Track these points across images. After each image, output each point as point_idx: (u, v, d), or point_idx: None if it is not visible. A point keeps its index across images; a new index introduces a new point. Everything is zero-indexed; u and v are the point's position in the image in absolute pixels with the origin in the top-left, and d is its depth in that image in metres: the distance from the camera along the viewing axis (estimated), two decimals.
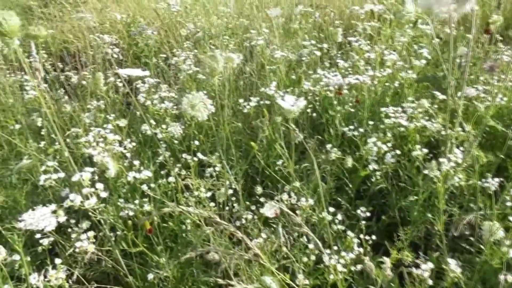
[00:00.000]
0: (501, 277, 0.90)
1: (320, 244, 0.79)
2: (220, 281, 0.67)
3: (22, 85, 2.03)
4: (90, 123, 1.57)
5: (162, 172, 1.26)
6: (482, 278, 1.02)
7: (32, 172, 1.57)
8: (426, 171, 1.06)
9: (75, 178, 0.88)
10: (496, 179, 1.11)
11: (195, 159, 1.22)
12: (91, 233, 0.95)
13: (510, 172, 1.34)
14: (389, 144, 1.27)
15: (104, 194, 0.88)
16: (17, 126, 1.65)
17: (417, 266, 0.89)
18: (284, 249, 0.97)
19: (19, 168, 1.47)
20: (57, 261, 0.91)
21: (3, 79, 2.01)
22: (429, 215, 1.16)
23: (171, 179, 1.16)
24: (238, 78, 1.92)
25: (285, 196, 1.13)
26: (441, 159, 1.06)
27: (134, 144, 1.33)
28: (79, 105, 1.85)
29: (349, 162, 1.21)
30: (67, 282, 0.92)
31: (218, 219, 0.65)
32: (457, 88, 1.38)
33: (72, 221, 1.13)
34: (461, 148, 1.17)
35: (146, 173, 1.02)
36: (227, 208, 1.22)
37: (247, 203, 1.21)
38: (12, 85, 2.02)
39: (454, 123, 1.23)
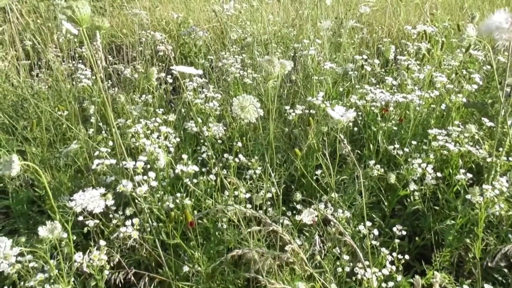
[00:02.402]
0: None
1: (360, 254, 0.80)
2: (260, 277, 0.68)
3: (73, 73, 2.12)
4: (137, 116, 1.63)
5: (203, 170, 1.30)
6: None
7: (78, 157, 1.64)
8: (468, 196, 1.05)
9: (129, 165, 0.92)
10: None
11: (236, 160, 1.25)
12: (136, 220, 0.98)
13: None
14: (431, 166, 1.26)
15: (154, 183, 0.92)
16: (66, 113, 1.73)
17: None
18: (318, 257, 0.98)
19: (68, 152, 1.54)
20: (101, 243, 0.95)
21: (58, 65, 2.11)
22: (467, 240, 1.15)
23: (211, 177, 1.19)
24: (281, 86, 1.95)
25: (321, 206, 1.14)
26: (484, 186, 1.05)
27: (178, 139, 1.37)
28: (126, 98, 1.92)
29: (392, 178, 1.21)
30: (108, 264, 0.96)
31: (268, 220, 0.67)
32: (505, 116, 1.37)
33: (113, 208, 1.18)
34: (505, 177, 1.16)
35: (193, 168, 1.05)
36: (260, 212, 1.24)
37: (283, 208, 1.22)
38: (64, 72, 2.12)
39: (500, 152, 1.22)
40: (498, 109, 1.08)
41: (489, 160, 1.20)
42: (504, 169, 1.22)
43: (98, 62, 1.09)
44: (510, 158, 1.24)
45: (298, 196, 1.18)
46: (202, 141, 1.58)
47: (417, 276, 0.90)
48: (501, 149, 1.21)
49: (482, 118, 1.38)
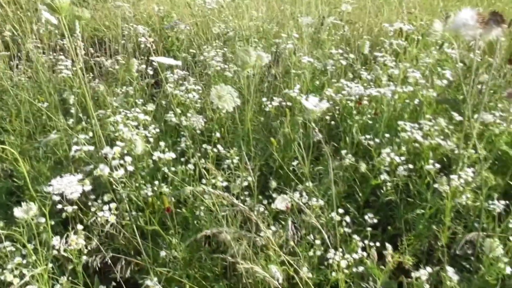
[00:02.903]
0: None
1: (325, 235, 0.83)
2: (230, 258, 0.72)
3: (54, 64, 2.12)
4: (118, 107, 1.64)
5: (182, 159, 1.32)
6: None
7: (58, 148, 1.64)
8: (436, 185, 1.10)
9: (105, 150, 0.94)
10: (502, 202, 1.15)
11: (215, 150, 1.27)
12: (113, 205, 1.00)
13: None
14: (403, 158, 1.31)
15: (131, 168, 0.94)
16: (45, 104, 1.73)
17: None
18: (291, 243, 1.01)
19: (47, 142, 1.54)
20: (79, 227, 0.97)
21: (38, 57, 2.10)
22: (434, 227, 1.20)
23: (190, 166, 1.22)
24: (262, 81, 1.98)
25: (297, 195, 1.18)
26: (451, 176, 1.10)
27: (157, 130, 1.39)
28: (108, 90, 1.92)
29: (363, 167, 1.26)
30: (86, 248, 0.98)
31: (235, 201, 0.70)
32: (475, 112, 1.42)
33: (92, 197, 1.19)
34: (472, 169, 1.21)
35: (170, 155, 1.07)
36: (238, 201, 1.27)
37: (260, 197, 1.26)
38: (45, 64, 2.11)
39: (468, 145, 1.27)
40: (467, 103, 1.12)
41: (457, 152, 1.25)
42: (472, 160, 1.27)
43: (78, 51, 1.11)
44: (479, 152, 1.29)
45: (274, 183, 1.22)
46: (182, 132, 1.60)
47: (373, 250, 0.94)
48: (469, 142, 1.26)
49: (453, 113, 1.43)
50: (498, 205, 1.14)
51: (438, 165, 1.20)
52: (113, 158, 0.93)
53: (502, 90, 1.63)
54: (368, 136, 1.40)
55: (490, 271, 0.99)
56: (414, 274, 0.91)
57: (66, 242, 0.97)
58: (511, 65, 1.68)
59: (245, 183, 1.20)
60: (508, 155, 1.35)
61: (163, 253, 1.09)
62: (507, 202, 1.16)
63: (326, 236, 0.86)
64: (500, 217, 1.16)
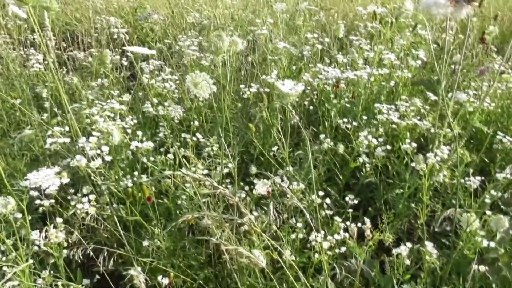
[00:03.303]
0: (474, 266, 0.96)
1: (307, 216, 0.84)
2: (213, 240, 0.71)
3: (25, 60, 2.06)
4: (93, 100, 1.62)
5: (161, 150, 1.31)
6: (456, 267, 1.08)
7: (34, 144, 1.61)
8: (413, 164, 1.12)
9: (81, 140, 0.92)
10: (478, 178, 1.17)
11: (194, 139, 1.27)
12: (92, 196, 0.99)
13: (492, 174, 1.41)
14: (381, 140, 1.33)
15: (108, 158, 0.92)
16: (19, 101, 1.69)
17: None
18: (274, 227, 1.02)
19: (21, 138, 1.51)
20: (58, 220, 0.95)
21: (8, 53, 2.05)
22: (413, 206, 1.22)
23: (169, 156, 1.21)
24: (240, 69, 1.98)
25: (278, 179, 1.18)
26: (428, 154, 1.12)
27: (135, 122, 1.37)
28: (82, 83, 1.89)
29: (341, 149, 1.27)
30: (66, 242, 0.96)
31: (215, 183, 0.70)
32: (449, 91, 1.45)
33: (71, 191, 1.18)
34: (448, 147, 1.23)
35: (149, 144, 1.06)
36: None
37: (241, 184, 1.26)
38: (16, 59, 2.06)
39: (443, 124, 1.29)
40: (441, 83, 1.14)
41: (432, 131, 1.28)
42: (448, 139, 1.30)
43: (48, 43, 1.08)
44: (454, 129, 1.32)
45: (254, 169, 1.22)
46: (161, 123, 1.58)
47: (366, 218, 0.95)
48: (444, 121, 1.28)
49: (428, 93, 1.45)
50: (475, 181, 1.16)
51: (415, 145, 1.22)
52: (90, 149, 0.91)
53: (475, 69, 1.66)
54: (346, 120, 1.41)
55: (468, 245, 1.01)
56: (394, 251, 0.92)
57: (46, 236, 0.95)
58: (483, 44, 1.71)
59: (226, 170, 1.20)
60: (482, 132, 1.38)
61: (146, 243, 1.09)
62: (483, 178, 1.19)
63: (308, 218, 0.87)
64: (477, 193, 1.19)
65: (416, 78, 1.66)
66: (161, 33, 2.38)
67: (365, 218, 0.82)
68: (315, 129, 1.62)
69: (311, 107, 1.65)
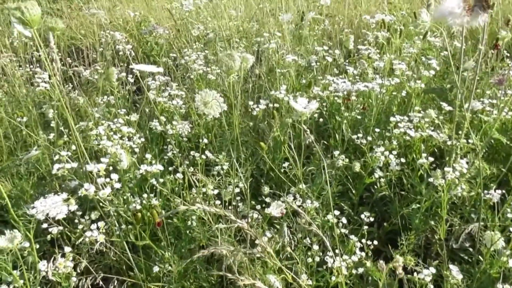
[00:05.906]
0: (499, 286, 0.92)
1: (328, 243, 0.80)
2: (229, 275, 0.68)
3: (31, 77, 2.05)
4: (99, 118, 1.59)
5: (170, 169, 1.28)
6: (480, 287, 1.03)
7: (40, 164, 1.59)
8: (431, 179, 1.08)
9: (90, 167, 0.89)
10: (498, 191, 1.13)
11: (203, 157, 1.24)
12: (101, 223, 0.96)
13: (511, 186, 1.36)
14: (394, 153, 1.29)
15: (118, 185, 0.90)
16: (25, 119, 1.67)
17: (417, 272, 0.91)
18: (288, 249, 0.98)
19: (28, 159, 1.49)
20: (66, 249, 0.92)
21: (13, 71, 2.04)
22: (432, 222, 1.18)
23: (178, 175, 1.18)
24: (246, 81, 1.95)
25: (290, 198, 1.15)
26: (446, 169, 1.08)
27: (142, 139, 1.35)
28: (88, 100, 1.87)
29: (357, 167, 1.23)
30: (74, 271, 0.93)
31: (233, 217, 0.67)
32: (463, 100, 1.41)
33: (79, 213, 1.15)
34: (465, 159, 1.19)
35: (158, 167, 1.03)
36: (230, 207, 1.24)
37: (253, 202, 1.22)
38: (21, 78, 2.05)
39: (459, 135, 1.25)
40: (456, 93, 1.10)
41: (449, 143, 1.24)
42: (465, 151, 1.25)
43: (54, 64, 1.06)
44: (469, 141, 1.28)
45: (266, 189, 1.18)
46: (168, 140, 1.56)
47: (381, 261, 0.91)
48: (460, 132, 1.24)
49: (441, 103, 1.41)
50: (494, 195, 1.12)
51: (431, 159, 1.18)
52: (98, 176, 0.88)
53: (488, 77, 1.61)
54: (360, 135, 1.37)
55: (492, 264, 0.97)
56: (417, 275, 0.88)
57: (54, 265, 0.92)
58: (496, 50, 1.67)
59: (237, 190, 1.17)
60: (500, 143, 1.34)
61: (156, 269, 1.05)
62: (503, 191, 1.15)
63: (324, 239, 0.83)
64: (496, 206, 1.15)
65: (427, 86, 1.62)
66: (166, 46, 2.36)
67: (398, 257, 0.77)
68: (325, 142, 1.58)
69: (320, 119, 1.61)
